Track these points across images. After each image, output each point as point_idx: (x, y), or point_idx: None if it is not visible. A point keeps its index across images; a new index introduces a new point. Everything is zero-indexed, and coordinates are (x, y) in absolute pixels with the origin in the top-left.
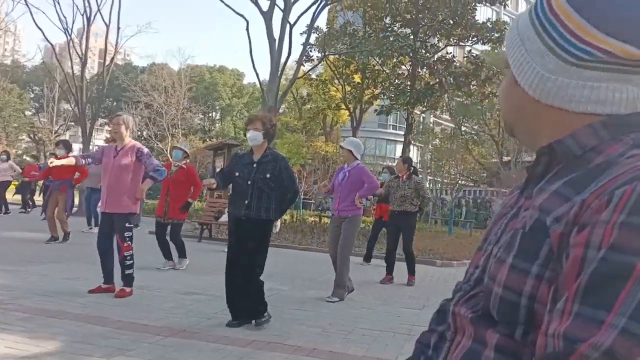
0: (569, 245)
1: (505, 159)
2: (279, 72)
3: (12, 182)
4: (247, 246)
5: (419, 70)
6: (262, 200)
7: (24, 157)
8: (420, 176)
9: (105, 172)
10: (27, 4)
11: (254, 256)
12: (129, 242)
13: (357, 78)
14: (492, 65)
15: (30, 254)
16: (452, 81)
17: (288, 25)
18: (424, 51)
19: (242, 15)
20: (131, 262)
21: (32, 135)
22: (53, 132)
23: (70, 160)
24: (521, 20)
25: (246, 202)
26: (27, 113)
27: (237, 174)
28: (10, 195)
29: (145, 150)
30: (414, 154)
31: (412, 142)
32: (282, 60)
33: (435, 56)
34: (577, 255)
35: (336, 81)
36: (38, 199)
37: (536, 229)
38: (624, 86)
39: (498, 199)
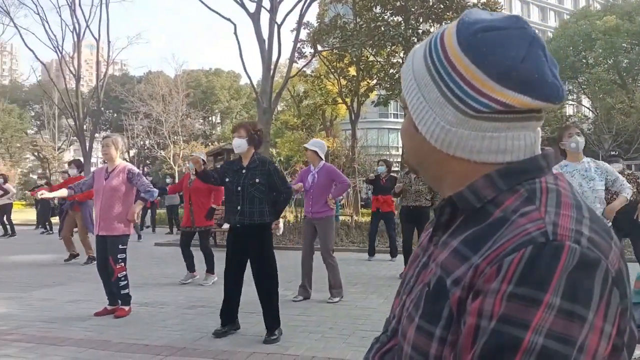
0: (466, 312)
1: None
2: (271, 73)
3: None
4: (248, 252)
5: None
6: (254, 205)
7: (30, 175)
8: None
9: (97, 195)
10: (15, 26)
11: (261, 264)
12: (122, 264)
13: (352, 71)
14: None
15: (36, 278)
16: None
17: (276, 25)
18: (415, 39)
19: (229, 20)
20: (125, 282)
21: (36, 154)
22: (56, 148)
23: (62, 192)
24: (416, 60)
25: (238, 208)
26: (29, 132)
27: (227, 179)
28: (25, 216)
29: (136, 170)
30: None
31: None
32: (274, 60)
33: None
34: (472, 324)
35: (331, 76)
36: (54, 220)
37: (438, 290)
38: (522, 133)
39: None
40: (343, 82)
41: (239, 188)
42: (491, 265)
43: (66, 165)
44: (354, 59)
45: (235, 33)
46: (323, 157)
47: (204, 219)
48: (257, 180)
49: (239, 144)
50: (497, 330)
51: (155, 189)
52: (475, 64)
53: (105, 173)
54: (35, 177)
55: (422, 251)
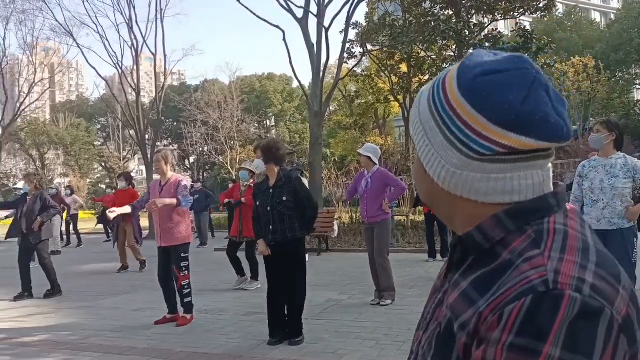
0: (471, 359)
1: (573, 127)
2: (321, 76)
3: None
4: (285, 268)
5: (466, 52)
6: (284, 222)
7: (99, 185)
8: None
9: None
10: (78, 46)
11: (295, 278)
12: (186, 272)
13: (403, 68)
14: (543, 35)
15: (104, 287)
16: None
17: (324, 29)
18: (467, 31)
19: (277, 27)
20: (188, 290)
21: (103, 164)
22: (121, 158)
23: (125, 209)
24: (422, 103)
25: (271, 227)
26: (96, 143)
27: (257, 202)
28: (93, 225)
29: (184, 183)
30: None
31: None
32: (323, 63)
33: (482, 34)
34: None
35: (382, 74)
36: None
37: (447, 333)
38: (529, 172)
39: (568, 172)
40: (394, 79)
41: (268, 208)
42: (493, 313)
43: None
44: (405, 56)
45: (284, 40)
46: (377, 162)
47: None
48: (284, 199)
49: (257, 165)
50: None
51: (189, 200)
52: (475, 109)
53: (159, 187)
54: (103, 186)
55: (440, 286)
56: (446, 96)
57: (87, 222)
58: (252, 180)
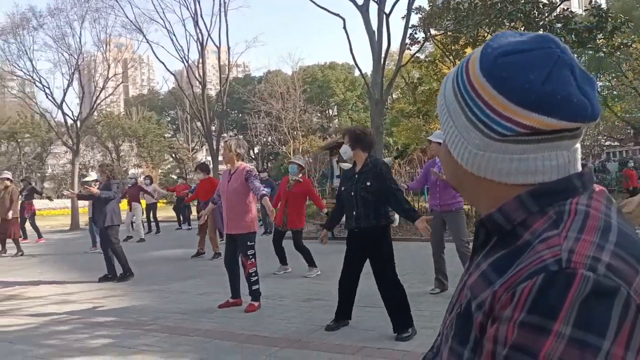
0: (485, 336)
1: None
2: (382, 63)
3: (159, 203)
4: (364, 255)
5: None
6: (368, 208)
7: (170, 175)
8: None
9: (222, 197)
10: (147, 41)
11: (382, 264)
12: (252, 260)
13: (468, 52)
14: (619, 14)
15: (174, 272)
16: (574, 39)
17: (384, 16)
18: (536, 12)
19: (337, 15)
20: (256, 277)
21: (173, 155)
22: (190, 149)
23: (210, 207)
24: (447, 85)
25: (354, 213)
26: (167, 135)
27: (342, 188)
28: (168, 213)
29: (254, 172)
30: None
31: None
32: (384, 50)
33: (552, 14)
34: (489, 350)
35: (447, 59)
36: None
37: (466, 313)
38: (553, 153)
39: None
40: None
41: (352, 193)
42: (507, 292)
43: (193, 170)
44: (470, 40)
45: (344, 27)
46: None
47: (298, 220)
48: (368, 184)
49: (344, 150)
50: (509, 358)
51: (266, 191)
52: (496, 89)
53: (228, 175)
54: (174, 176)
55: (467, 269)
56: (469, 78)
57: (160, 211)
58: (300, 175)
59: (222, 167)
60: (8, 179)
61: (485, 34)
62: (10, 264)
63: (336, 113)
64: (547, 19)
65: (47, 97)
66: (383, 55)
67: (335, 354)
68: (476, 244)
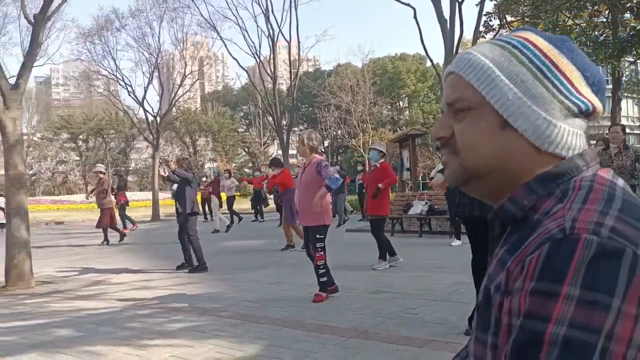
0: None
1: None
2: (454, 53)
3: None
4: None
5: (621, 17)
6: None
7: (244, 169)
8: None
9: (297, 189)
10: (221, 38)
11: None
12: (321, 252)
13: None
14: None
15: (246, 262)
16: None
17: (457, 4)
18: None
19: (408, 4)
20: (324, 270)
21: (245, 149)
22: (262, 144)
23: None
24: (490, 55)
25: (467, 200)
26: (240, 130)
27: None
28: (242, 205)
29: (324, 163)
30: (627, 109)
31: (622, 98)
32: (456, 39)
33: None
34: (505, 324)
35: None
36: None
37: (486, 299)
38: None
39: None
40: None
41: None
42: (518, 265)
43: (267, 167)
44: (550, 26)
45: (415, 17)
46: None
47: (378, 208)
48: None
49: None
50: (523, 326)
51: (338, 178)
52: (575, 66)
53: (303, 168)
54: (248, 170)
55: (489, 264)
56: (542, 52)
57: (235, 204)
58: (381, 160)
59: (292, 160)
60: (101, 172)
61: (566, 19)
62: (99, 252)
63: (407, 105)
64: (635, 0)
65: (129, 94)
66: (455, 44)
67: (402, 345)
68: (492, 238)
